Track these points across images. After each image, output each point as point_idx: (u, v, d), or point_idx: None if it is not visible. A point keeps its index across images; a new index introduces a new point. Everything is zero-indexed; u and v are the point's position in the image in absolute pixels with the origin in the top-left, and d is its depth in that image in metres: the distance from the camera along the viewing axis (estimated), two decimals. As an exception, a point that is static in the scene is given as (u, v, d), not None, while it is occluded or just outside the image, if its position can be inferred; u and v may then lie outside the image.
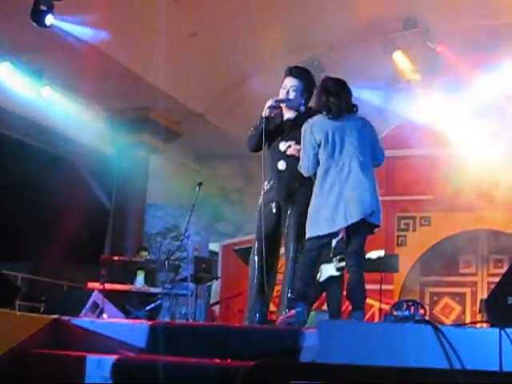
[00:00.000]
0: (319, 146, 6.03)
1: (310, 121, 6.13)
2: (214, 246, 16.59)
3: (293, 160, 6.22)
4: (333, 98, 6.12)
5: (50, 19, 9.74)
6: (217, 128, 14.69)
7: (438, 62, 13.27)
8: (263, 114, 6.26)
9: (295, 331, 4.90)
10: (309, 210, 6.06)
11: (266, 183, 6.40)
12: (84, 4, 10.36)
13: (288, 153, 6.25)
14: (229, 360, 4.50)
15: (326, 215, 5.94)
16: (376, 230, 6.25)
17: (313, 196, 6.05)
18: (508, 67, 13.36)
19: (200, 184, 9.81)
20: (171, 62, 11.59)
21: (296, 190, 6.26)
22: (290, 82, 6.40)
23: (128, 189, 14.67)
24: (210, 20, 11.58)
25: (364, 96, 14.06)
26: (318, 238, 6.03)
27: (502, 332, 3.80)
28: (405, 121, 14.37)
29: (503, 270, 13.90)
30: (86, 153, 14.02)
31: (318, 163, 6.06)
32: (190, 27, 11.59)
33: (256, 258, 6.33)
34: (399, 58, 13.48)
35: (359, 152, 6.06)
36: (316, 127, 6.06)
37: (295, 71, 6.48)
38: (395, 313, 4.28)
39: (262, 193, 6.39)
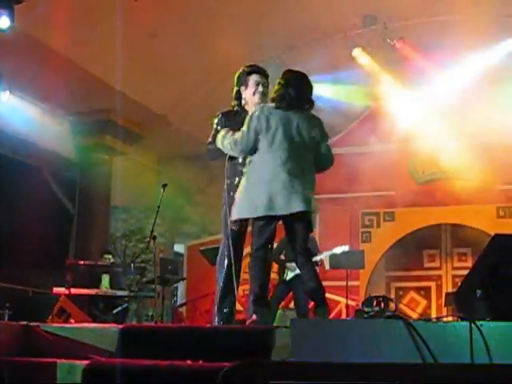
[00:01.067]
0: (260, 133, 6.04)
1: (259, 107, 6.12)
2: (178, 248, 16.57)
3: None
4: (290, 89, 6.12)
5: (5, 22, 9.62)
6: (179, 129, 14.66)
7: (397, 58, 13.37)
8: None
9: (265, 330, 4.89)
10: (238, 192, 6.09)
11: (228, 182, 6.39)
12: (42, 6, 10.26)
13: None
14: (200, 361, 4.48)
15: (253, 199, 5.94)
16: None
17: (245, 180, 6.05)
18: (465, 61, 13.51)
19: (165, 185, 9.77)
20: (132, 64, 11.55)
21: None
22: (261, 79, 6.43)
23: (91, 192, 14.59)
24: (170, 20, 11.53)
25: (324, 93, 14.13)
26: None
27: (473, 325, 3.84)
28: (366, 117, 14.48)
29: (467, 264, 14.17)
30: (48, 157, 13.90)
31: (254, 149, 6.07)
32: (149, 28, 11.53)
33: (226, 259, 6.32)
34: (359, 55, 13.56)
35: (300, 148, 6.06)
36: (263, 115, 6.05)
37: (261, 69, 6.53)
38: (366, 309, 4.31)
39: (225, 192, 6.38)
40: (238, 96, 6.53)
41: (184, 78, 12.88)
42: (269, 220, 5.99)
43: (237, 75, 6.56)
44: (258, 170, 5.99)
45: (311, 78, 6.33)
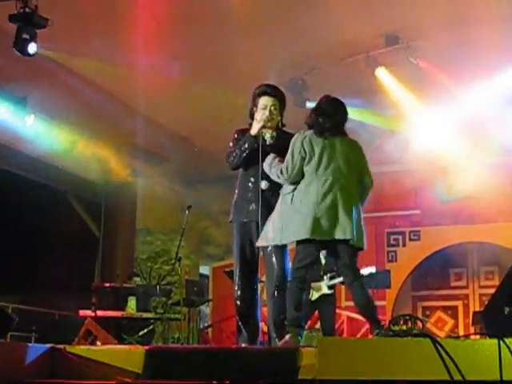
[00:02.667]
0: (305, 159, 6.05)
1: (302, 133, 6.15)
2: (203, 269, 16.56)
3: (272, 179, 6.23)
4: (322, 117, 6.17)
5: (33, 47, 9.71)
6: (202, 151, 14.68)
7: (421, 77, 13.32)
8: (252, 133, 6.26)
9: (292, 350, 4.87)
10: (278, 217, 6.10)
11: (239, 201, 6.37)
12: (68, 32, 10.34)
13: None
14: (227, 382, 4.47)
15: (298, 223, 5.97)
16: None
17: (288, 205, 6.07)
18: (490, 81, 13.44)
19: (189, 207, 9.80)
20: (155, 85, 11.59)
21: (274, 207, 6.24)
22: (269, 102, 6.40)
23: (116, 215, 14.65)
24: (193, 42, 11.57)
25: (350, 112, 14.10)
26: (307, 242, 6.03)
27: (501, 342, 3.80)
28: (391, 136, 14.43)
29: (494, 282, 14.07)
30: (73, 180, 13.97)
31: (301, 175, 6.09)
32: (173, 50, 11.57)
33: (243, 279, 6.28)
34: (382, 75, 13.52)
35: (343, 174, 6.13)
36: (306, 141, 6.08)
37: (271, 90, 6.48)
38: (393, 327, 4.28)
39: (235, 211, 6.36)
40: (252, 116, 6.53)
41: (208, 100, 12.90)
42: (312, 243, 6.02)
43: (252, 94, 6.57)
44: (304, 195, 6.03)
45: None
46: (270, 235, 6.12)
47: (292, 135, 6.38)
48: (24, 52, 9.65)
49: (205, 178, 16.25)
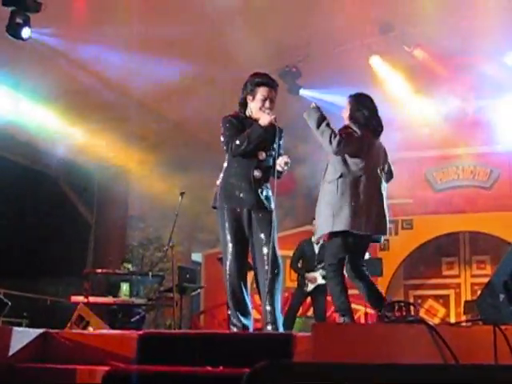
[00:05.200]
0: (358, 154, 6.38)
1: (353, 127, 6.43)
2: (195, 256, 16.53)
3: (265, 169, 6.27)
4: (374, 118, 6.64)
5: (26, 32, 9.67)
6: (195, 137, 14.65)
7: (414, 65, 13.32)
8: (263, 124, 6.22)
9: (286, 336, 4.87)
10: (326, 205, 6.31)
11: (227, 187, 6.34)
12: (61, 17, 10.29)
13: (280, 168, 6.25)
14: (221, 367, 4.46)
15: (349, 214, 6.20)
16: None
17: (334, 193, 6.28)
18: (483, 67, 13.46)
19: (183, 193, 9.77)
20: (149, 72, 11.55)
21: (266, 196, 6.26)
22: (270, 93, 6.36)
23: (109, 201, 14.63)
24: (187, 29, 11.53)
25: (341, 101, 14.09)
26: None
27: (496, 329, 3.80)
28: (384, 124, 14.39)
29: (486, 271, 14.10)
30: (66, 166, 13.92)
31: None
32: (168, 35, 11.53)
33: (235, 266, 6.25)
34: (376, 63, 13.51)
35: (381, 174, 6.53)
36: (361, 138, 6.40)
37: (271, 81, 6.43)
38: (387, 313, 4.28)
39: (224, 197, 6.33)
40: (244, 104, 6.45)
41: (201, 86, 12.87)
42: (357, 237, 6.32)
43: (246, 82, 6.46)
44: (350, 187, 6.28)
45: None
46: (321, 224, 6.39)
47: (279, 127, 6.38)
48: (17, 36, 9.63)
49: (198, 164, 16.21)
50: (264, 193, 6.25)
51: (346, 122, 6.66)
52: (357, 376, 2.42)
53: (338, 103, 14.26)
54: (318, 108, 6.54)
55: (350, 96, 6.76)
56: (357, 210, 6.20)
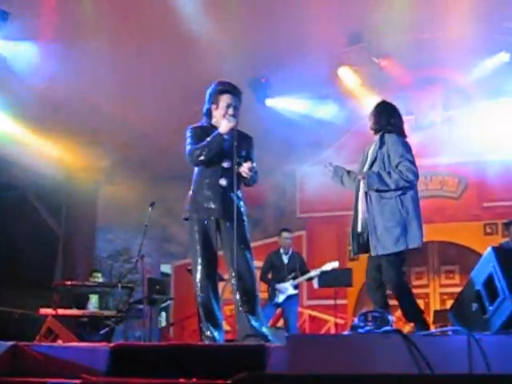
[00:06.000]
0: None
1: (402, 139, 6.56)
2: (164, 268, 16.48)
3: (231, 177, 6.19)
4: (398, 119, 6.64)
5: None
6: (164, 149, 14.59)
7: (382, 76, 13.39)
8: (223, 131, 6.20)
9: (259, 347, 4.84)
10: (390, 222, 6.32)
11: (195, 198, 6.30)
12: (27, 24, 10.24)
13: (245, 175, 6.21)
14: (194, 379, 4.43)
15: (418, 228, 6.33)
16: None
17: (399, 209, 6.31)
18: (450, 79, 13.59)
19: (153, 204, 9.73)
20: (117, 83, 11.50)
21: (235, 205, 6.17)
22: (232, 100, 6.34)
23: (77, 212, 14.53)
24: (156, 39, 11.50)
25: (311, 111, 14.17)
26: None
27: (471, 338, 3.81)
28: (353, 134, 14.48)
29: (455, 281, 14.17)
30: (33, 178, 13.79)
31: None
32: (136, 46, 11.49)
33: (205, 277, 6.21)
34: (344, 73, 13.58)
35: None
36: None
37: (234, 89, 6.41)
38: (361, 324, 4.27)
39: (192, 208, 6.30)
40: (209, 114, 6.44)
41: (170, 99, 12.83)
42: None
43: (208, 92, 6.45)
44: (413, 201, 6.39)
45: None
46: (389, 242, 6.33)
47: (246, 135, 6.37)
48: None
49: (166, 175, 16.16)
50: (233, 201, 6.19)
51: (373, 131, 6.72)
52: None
53: (305, 112, 14.36)
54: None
55: (378, 105, 6.75)
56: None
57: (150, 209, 9.67)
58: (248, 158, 6.29)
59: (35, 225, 14.49)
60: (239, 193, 6.34)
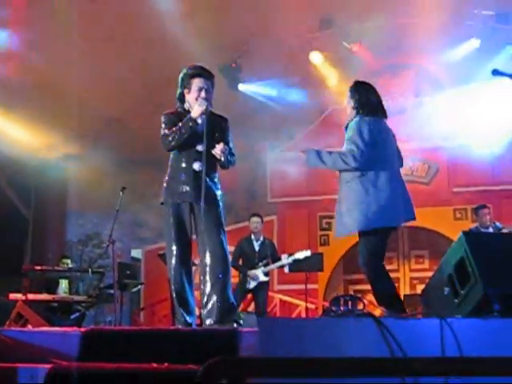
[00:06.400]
0: (376, 145, 6.23)
1: (364, 119, 6.26)
2: (135, 253, 16.44)
3: (207, 161, 6.15)
4: (372, 97, 6.41)
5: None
6: (135, 133, 14.54)
7: (353, 61, 13.42)
8: (194, 115, 6.17)
9: (231, 332, 4.85)
10: (351, 203, 6.19)
11: (170, 183, 6.29)
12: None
13: (219, 156, 6.19)
14: (166, 364, 4.42)
15: (383, 209, 6.12)
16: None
17: (359, 191, 6.16)
18: (421, 64, 13.65)
19: (124, 189, 9.67)
20: (88, 67, 11.43)
21: (209, 189, 6.18)
22: (204, 84, 6.31)
23: (47, 197, 14.45)
24: (126, 23, 11.44)
25: (281, 96, 14.17)
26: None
27: (443, 321, 3.82)
28: (323, 119, 14.50)
29: (424, 266, 14.27)
30: (3, 161, 13.68)
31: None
32: (106, 30, 11.43)
33: (179, 264, 6.20)
34: (316, 58, 13.58)
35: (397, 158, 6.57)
36: (370, 126, 6.23)
37: (205, 72, 6.39)
38: (333, 308, 4.28)
39: (167, 192, 6.29)
40: (182, 98, 6.40)
41: (141, 82, 12.78)
42: (389, 231, 6.31)
43: (180, 76, 6.40)
44: (376, 181, 6.14)
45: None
46: (349, 222, 6.18)
47: (221, 117, 6.36)
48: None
49: (137, 160, 16.10)
50: (207, 185, 6.17)
51: (352, 113, 6.52)
52: (307, 370, 2.41)
53: (276, 97, 14.36)
54: (311, 152, 6.43)
55: (352, 86, 6.62)
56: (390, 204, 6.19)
57: (120, 193, 9.61)
58: (221, 140, 6.26)
59: (5, 209, 14.40)
60: (215, 176, 6.32)
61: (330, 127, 13.87)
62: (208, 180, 6.19)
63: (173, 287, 6.24)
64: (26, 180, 14.71)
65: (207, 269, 6.14)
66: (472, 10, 12.44)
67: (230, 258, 6.30)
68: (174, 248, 6.20)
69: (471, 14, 12.40)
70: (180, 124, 6.19)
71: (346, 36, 13.12)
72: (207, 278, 6.15)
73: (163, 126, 6.34)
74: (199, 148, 6.21)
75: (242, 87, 13.97)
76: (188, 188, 6.19)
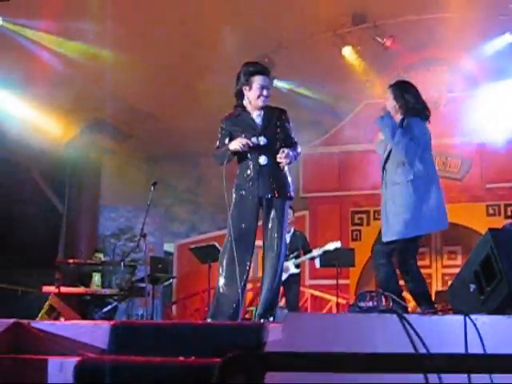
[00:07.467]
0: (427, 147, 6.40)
1: (416, 119, 6.35)
2: (167, 247, 16.53)
3: (273, 155, 6.18)
4: (419, 100, 6.48)
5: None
6: (168, 128, 14.61)
7: (387, 56, 13.36)
8: (232, 148, 6.22)
9: (257, 326, 4.87)
10: (401, 207, 6.26)
11: (240, 179, 6.33)
12: (33, 5, 10.23)
13: (284, 164, 6.23)
14: (193, 357, 4.46)
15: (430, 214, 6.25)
16: None
17: (411, 194, 6.22)
18: (455, 60, 13.56)
19: (155, 184, 9.72)
20: (122, 63, 11.49)
21: (278, 184, 6.23)
22: (265, 81, 6.34)
23: (81, 191, 14.56)
24: (160, 20, 11.48)
25: (314, 92, 14.14)
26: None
27: (467, 318, 3.83)
28: (356, 114, 14.46)
29: (457, 262, 14.19)
30: (37, 155, 13.80)
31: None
32: (139, 26, 11.47)
33: (230, 262, 6.19)
34: (349, 54, 13.54)
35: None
36: (424, 127, 6.37)
37: (265, 70, 6.44)
38: (359, 304, 4.30)
39: (236, 187, 6.33)
40: (241, 95, 6.43)
41: (175, 78, 12.82)
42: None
43: (239, 73, 6.43)
44: (428, 185, 6.28)
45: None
46: (396, 228, 6.26)
47: (278, 109, 6.41)
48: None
49: (170, 155, 16.18)
50: (275, 179, 6.23)
51: (393, 112, 6.52)
52: (330, 366, 2.44)
53: (310, 94, 14.34)
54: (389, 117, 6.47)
55: (392, 85, 6.63)
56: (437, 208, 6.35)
57: (152, 188, 9.68)
58: (281, 132, 6.34)
59: (39, 202, 14.54)
60: (284, 170, 6.34)
61: (363, 122, 13.87)
62: (272, 173, 6.25)
63: (223, 280, 6.21)
64: (60, 173, 14.84)
65: (264, 264, 6.21)
66: (506, 5, 12.32)
67: (283, 252, 6.33)
68: (234, 241, 6.12)
69: (505, 9, 12.28)
70: (222, 149, 6.26)
71: (379, 31, 13.05)
72: (264, 272, 6.22)
73: (218, 135, 6.42)
74: (262, 142, 6.25)
75: (276, 83, 13.95)
76: (255, 182, 6.23)
